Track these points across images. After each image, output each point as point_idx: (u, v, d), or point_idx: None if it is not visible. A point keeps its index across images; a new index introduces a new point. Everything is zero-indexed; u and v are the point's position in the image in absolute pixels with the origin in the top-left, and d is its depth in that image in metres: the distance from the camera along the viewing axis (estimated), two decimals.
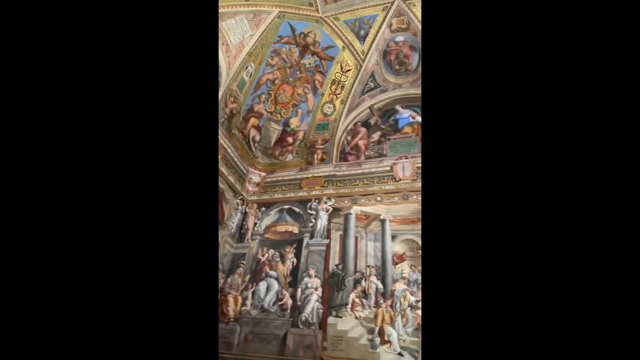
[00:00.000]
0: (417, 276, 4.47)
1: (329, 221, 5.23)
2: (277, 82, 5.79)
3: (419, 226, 4.82)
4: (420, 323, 4.00)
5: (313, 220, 5.28)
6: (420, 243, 4.74)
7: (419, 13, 5.04)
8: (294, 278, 4.91)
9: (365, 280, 4.59)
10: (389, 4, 5.01)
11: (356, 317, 4.34)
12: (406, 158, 5.33)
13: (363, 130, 5.96)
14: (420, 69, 5.61)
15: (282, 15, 5.04)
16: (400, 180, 5.19)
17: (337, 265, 4.81)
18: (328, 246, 5.02)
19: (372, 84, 5.93)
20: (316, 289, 4.66)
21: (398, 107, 5.89)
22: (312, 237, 5.15)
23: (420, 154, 5.34)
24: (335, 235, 5.12)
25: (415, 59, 5.60)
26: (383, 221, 5.01)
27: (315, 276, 4.78)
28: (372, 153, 5.77)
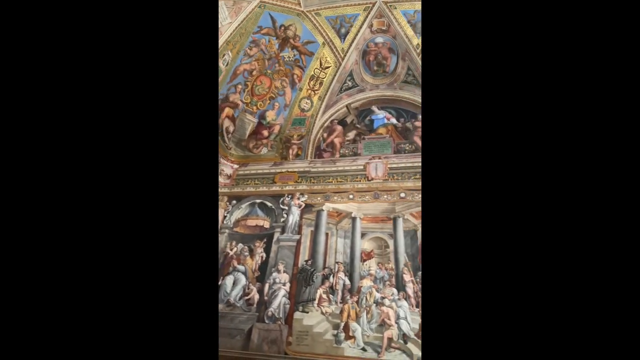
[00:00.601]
0: (384, 273, 4.59)
1: (301, 217, 5.22)
2: (254, 73, 5.67)
3: (388, 225, 4.95)
4: (385, 320, 4.11)
5: (285, 216, 5.25)
6: (387, 241, 4.87)
7: (399, 16, 5.13)
8: (262, 273, 4.87)
9: (333, 276, 4.64)
10: (371, 5, 5.06)
11: (322, 313, 4.38)
12: (379, 158, 5.44)
13: (339, 128, 6.00)
14: (397, 71, 5.73)
15: (262, 6, 4.94)
16: (372, 179, 5.28)
17: (306, 261, 4.83)
18: (299, 242, 5.02)
19: (350, 83, 5.98)
20: (284, 284, 4.65)
21: (374, 108, 5.98)
22: (283, 232, 5.12)
23: (392, 155, 5.49)
24: (307, 231, 5.13)
25: (393, 62, 5.71)
26: (354, 219, 5.09)
27: (284, 271, 4.76)
28: (346, 151, 5.82)
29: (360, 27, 5.29)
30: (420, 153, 5.42)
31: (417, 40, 5.30)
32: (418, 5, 4.98)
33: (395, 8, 5.07)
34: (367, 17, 5.18)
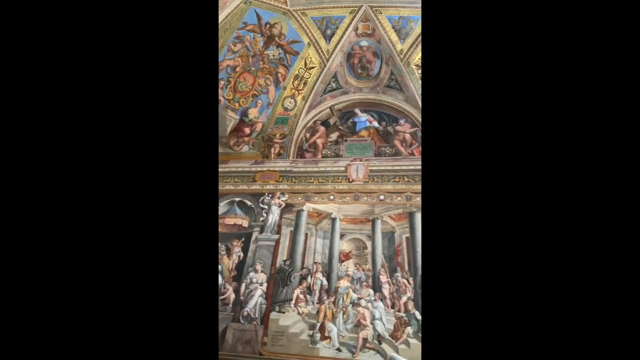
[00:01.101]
0: (361, 274, 4.64)
1: (281, 216, 5.19)
2: (237, 69, 5.58)
3: (367, 226, 5.01)
4: (361, 320, 4.16)
5: (264, 215, 5.20)
6: (366, 242, 4.93)
7: (384, 21, 5.21)
8: (239, 272, 4.79)
9: (311, 276, 4.64)
10: (357, 8, 5.11)
11: (299, 313, 4.37)
12: (360, 160, 5.50)
13: (322, 129, 6.02)
14: (380, 75, 5.82)
15: (248, 2, 4.88)
16: (353, 181, 5.33)
17: (284, 261, 4.80)
18: (277, 241, 4.98)
19: (334, 85, 6.01)
20: (261, 284, 4.60)
21: (357, 111, 6.04)
22: (262, 231, 5.07)
23: (373, 158, 5.56)
24: (286, 231, 5.10)
25: (377, 66, 5.79)
26: (334, 219, 5.11)
27: (262, 271, 4.71)
28: (329, 152, 5.84)
29: (346, 29, 5.33)
30: (400, 157, 5.53)
31: (400, 46, 5.40)
32: (403, 12, 5.08)
33: (381, 13, 5.15)
34: (353, 19, 5.23)
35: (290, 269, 4.70)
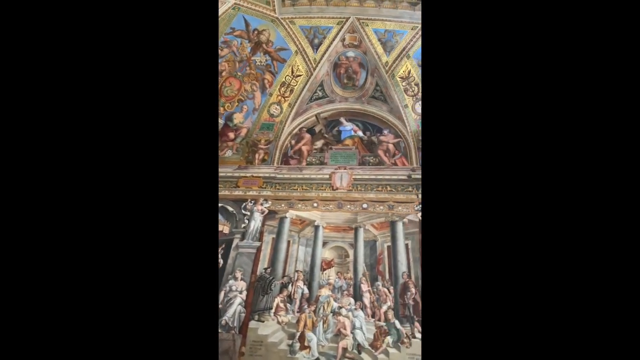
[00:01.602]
0: (342, 282, 4.63)
1: (263, 223, 5.13)
2: (224, 74, 5.55)
3: (350, 234, 5.03)
4: (341, 329, 4.13)
5: (246, 221, 5.12)
6: (348, 251, 4.94)
7: (371, 33, 5.34)
8: (218, 280, 4.68)
9: (292, 284, 4.59)
10: (344, 20, 5.21)
11: (278, 322, 4.29)
12: (345, 169, 5.54)
13: (307, 136, 6.04)
14: (366, 86, 5.93)
15: (237, 8, 4.88)
16: (337, 189, 5.36)
17: (265, 269, 4.73)
18: (259, 249, 4.91)
19: (320, 93, 6.06)
20: (240, 292, 4.50)
21: (342, 120, 6.11)
22: (243, 238, 4.98)
23: (357, 166, 5.62)
24: (268, 238, 5.04)
25: (363, 76, 5.90)
26: (317, 227, 5.10)
27: (242, 279, 4.62)
28: (313, 160, 5.86)
29: (333, 39, 5.42)
30: (383, 167, 5.62)
31: (386, 58, 5.54)
32: (389, 25, 5.23)
33: (368, 25, 5.27)
34: (340, 30, 5.32)
35: (271, 277, 4.63)
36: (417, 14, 4.97)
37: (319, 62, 5.62)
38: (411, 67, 5.53)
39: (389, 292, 4.44)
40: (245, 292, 4.51)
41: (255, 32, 5.25)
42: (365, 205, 5.17)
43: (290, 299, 4.48)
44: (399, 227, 4.92)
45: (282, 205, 5.29)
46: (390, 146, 5.81)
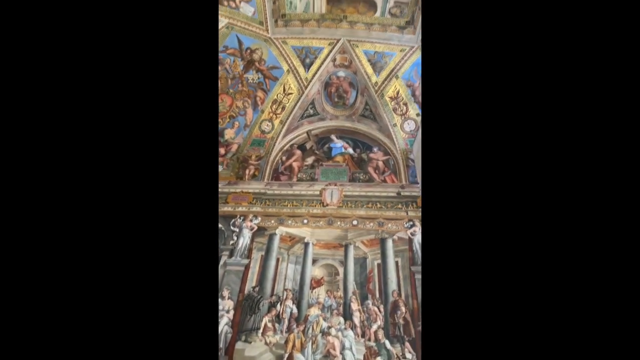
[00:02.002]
0: (332, 302, 4.56)
1: (252, 240, 5.06)
2: None
3: (339, 252, 5.00)
4: (330, 350, 4.03)
5: (235, 238, 5.04)
6: (338, 268, 4.90)
7: (361, 54, 5.51)
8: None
9: (280, 304, 4.49)
10: (335, 41, 5.37)
11: (266, 343, 4.17)
12: (335, 185, 5.57)
13: (298, 152, 6.08)
14: (356, 105, 6.06)
15: (230, 27, 4.99)
16: (327, 205, 5.36)
17: (253, 288, 4.63)
18: (247, 267, 4.82)
19: (311, 111, 6.16)
20: (227, 312, 4.38)
21: (333, 137, 6.20)
22: (231, 255, 4.89)
23: (347, 183, 5.66)
24: (257, 256, 4.96)
25: (353, 96, 6.04)
26: (307, 244, 5.06)
27: (229, 298, 4.50)
28: (304, 176, 5.88)
29: (324, 59, 5.56)
30: (373, 183, 5.68)
31: (375, 79, 5.70)
32: (379, 47, 5.41)
33: (358, 47, 5.45)
34: (331, 51, 5.48)
35: (259, 296, 4.53)
36: (406, 37, 5.18)
37: (310, 81, 5.74)
38: (400, 88, 5.70)
39: (379, 310, 4.39)
40: (232, 312, 4.39)
41: (248, 50, 5.36)
42: (355, 222, 5.17)
43: (278, 318, 4.37)
44: (389, 244, 4.93)
45: (272, 221, 5.25)
46: (380, 163, 5.89)
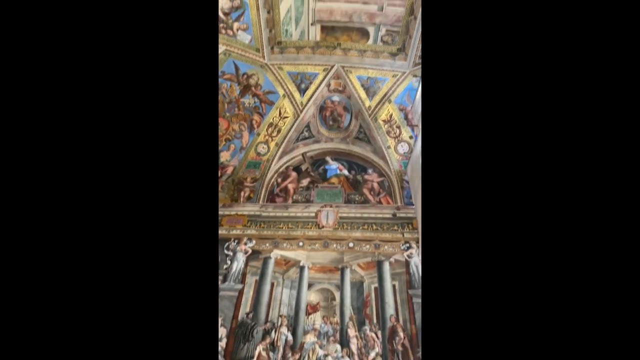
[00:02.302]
0: (328, 328, 4.42)
1: (246, 264, 4.96)
2: None
3: (336, 275, 4.91)
4: None
5: (228, 262, 4.94)
6: (334, 293, 4.79)
7: (354, 79, 5.68)
8: None
9: (275, 331, 4.34)
10: (330, 67, 5.55)
11: None
12: (331, 207, 5.56)
13: (294, 174, 6.11)
14: (350, 127, 6.18)
15: (228, 53, 5.14)
16: (323, 227, 5.32)
17: (247, 314, 4.48)
18: (241, 292, 4.69)
19: (306, 134, 6.26)
20: (220, 340, 4.20)
21: (328, 159, 6.27)
22: (224, 280, 4.77)
23: (343, 204, 5.66)
24: (251, 280, 4.84)
25: (347, 119, 6.17)
26: (302, 268, 4.97)
27: (222, 325, 4.34)
28: (299, 197, 5.88)
29: (319, 85, 5.72)
30: (368, 205, 5.68)
31: (369, 103, 5.85)
32: (371, 73, 5.60)
33: (351, 72, 5.63)
34: (325, 76, 5.64)
35: (253, 323, 4.38)
36: (398, 63, 5.37)
37: (305, 105, 5.87)
38: (393, 111, 5.85)
39: (377, 337, 4.26)
40: (225, 340, 4.22)
41: (245, 76, 5.50)
42: (351, 244, 5.12)
43: (273, 346, 4.21)
44: (386, 267, 4.87)
45: (267, 244, 5.18)
46: (375, 185, 5.93)
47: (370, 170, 6.10)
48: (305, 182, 6.06)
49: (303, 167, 6.21)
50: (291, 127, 6.02)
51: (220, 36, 4.90)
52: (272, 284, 4.83)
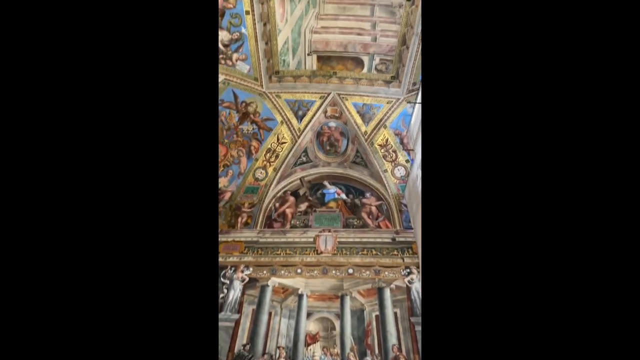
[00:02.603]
0: (329, 359, 4.23)
1: (243, 293, 4.82)
2: None
3: (335, 304, 4.76)
4: None
5: (225, 291, 4.80)
6: (334, 322, 4.62)
7: (350, 106, 5.83)
8: None
9: None
10: (326, 95, 5.72)
11: None
12: (329, 231, 5.51)
13: (292, 199, 6.10)
14: (347, 152, 6.27)
15: (227, 82, 5.30)
16: (321, 253, 5.24)
17: (244, 346, 4.30)
18: (237, 322, 4.52)
19: (304, 158, 6.32)
20: None
21: (326, 183, 6.29)
22: (220, 310, 4.62)
23: (342, 229, 5.61)
24: (247, 310, 4.68)
25: (344, 144, 6.26)
26: (300, 296, 4.83)
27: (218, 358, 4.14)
28: (297, 222, 5.83)
29: (316, 111, 5.86)
30: (367, 229, 5.63)
31: (365, 128, 5.97)
32: (366, 100, 5.76)
33: (347, 99, 5.79)
34: (322, 104, 5.79)
35: (250, 355, 4.19)
36: (392, 90, 5.54)
37: (303, 131, 5.98)
38: (388, 136, 5.96)
39: None
40: None
41: (244, 104, 5.63)
42: (351, 270, 5.02)
43: None
44: (387, 294, 4.75)
45: (264, 272, 5.06)
46: (373, 208, 5.92)
47: (368, 194, 6.11)
48: (303, 206, 6.04)
49: (301, 192, 6.21)
50: (289, 152, 6.09)
51: (220, 66, 5.07)
52: (270, 314, 4.67)
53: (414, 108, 5.13)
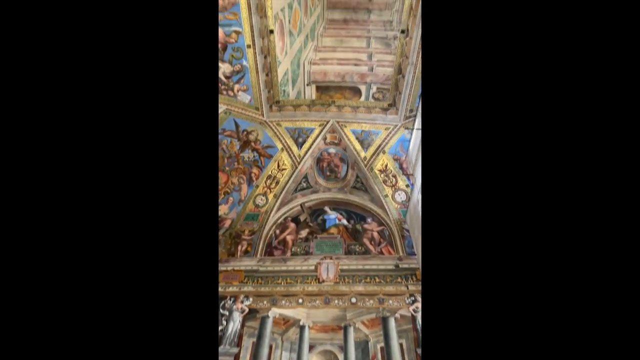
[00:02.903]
0: None
1: (243, 324, 4.65)
2: None
3: (338, 335, 4.58)
4: None
5: (224, 323, 4.63)
6: (337, 355, 4.42)
7: (349, 133, 5.94)
8: None
9: None
10: (325, 122, 5.84)
11: None
12: (330, 259, 5.41)
13: (292, 225, 6.05)
14: (347, 177, 6.30)
15: (228, 112, 5.44)
16: (323, 281, 5.11)
17: None
18: (237, 356, 4.33)
19: (304, 184, 6.35)
20: None
21: (326, 208, 6.26)
22: (219, 343, 4.43)
23: (343, 256, 5.51)
24: (247, 343, 4.49)
25: (344, 169, 6.31)
26: (302, 327, 4.66)
27: None
28: (298, 249, 5.74)
29: (316, 138, 5.96)
30: (369, 255, 5.53)
31: (364, 154, 6.05)
32: (365, 126, 5.88)
33: (346, 127, 5.91)
34: (321, 131, 5.91)
35: None
36: (389, 117, 5.68)
37: (303, 158, 6.05)
38: (388, 161, 6.02)
39: None
40: None
41: (245, 132, 5.74)
42: (354, 300, 4.87)
43: None
44: (392, 324, 4.57)
45: (264, 302, 4.91)
46: (375, 234, 5.85)
47: (369, 219, 6.07)
48: (304, 233, 5.98)
49: (301, 218, 6.17)
50: (289, 178, 6.13)
51: (221, 97, 5.23)
52: (271, 347, 4.48)
53: (412, 134, 5.23)
